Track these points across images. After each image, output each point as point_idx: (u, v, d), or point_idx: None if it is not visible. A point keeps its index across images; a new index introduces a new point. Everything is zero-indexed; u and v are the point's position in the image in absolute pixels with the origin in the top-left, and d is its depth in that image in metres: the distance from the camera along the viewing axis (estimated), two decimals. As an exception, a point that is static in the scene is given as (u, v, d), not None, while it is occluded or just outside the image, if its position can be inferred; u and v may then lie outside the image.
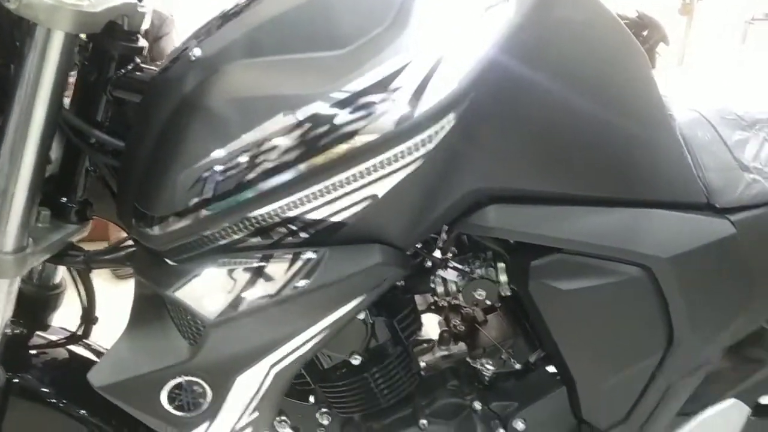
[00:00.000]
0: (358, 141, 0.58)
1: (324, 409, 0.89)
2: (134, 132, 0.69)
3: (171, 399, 0.68)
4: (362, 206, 0.63)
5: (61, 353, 0.91)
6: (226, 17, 0.67)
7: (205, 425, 0.71)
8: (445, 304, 1.02)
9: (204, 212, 0.61)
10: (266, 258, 0.64)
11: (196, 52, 0.63)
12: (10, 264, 0.66)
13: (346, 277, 0.66)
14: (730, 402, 0.93)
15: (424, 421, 0.87)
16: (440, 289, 0.87)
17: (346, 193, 0.61)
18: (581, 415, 0.89)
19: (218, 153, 0.60)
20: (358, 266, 0.66)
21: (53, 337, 0.92)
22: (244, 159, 0.59)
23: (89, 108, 0.72)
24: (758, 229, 0.78)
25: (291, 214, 0.61)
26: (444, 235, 0.82)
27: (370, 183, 0.61)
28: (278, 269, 0.64)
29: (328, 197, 0.61)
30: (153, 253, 0.67)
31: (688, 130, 0.79)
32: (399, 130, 0.59)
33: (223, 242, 0.63)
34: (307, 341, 0.69)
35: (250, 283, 0.64)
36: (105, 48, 0.69)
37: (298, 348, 0.70)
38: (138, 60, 0.72)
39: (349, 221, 0.63)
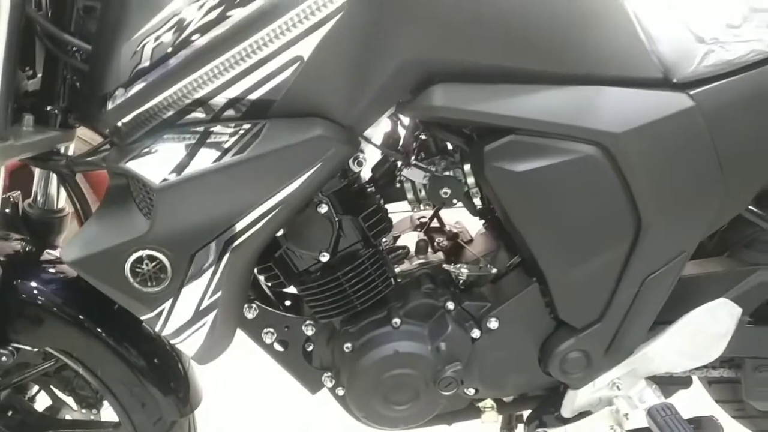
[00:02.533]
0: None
1: (308, 321, 0.92)
2: (96, 32, 0.75)
3: (134, 273, 0.73)
4: (291, 70, 0.66)
5: (61, 267, 0.98)
6: None
7: (168, 302, 0.75)
8: (425, 218, 1.05)
9: (143, 83, 0.66)
10: (207, 130, 0.68)
11: None
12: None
13: (285, 148, 0.70)
14: (719, 301, 0.90)
15: (397, 320, 0.88)
16: (410, 195, 0.90)
17: (271, 54, 0.64)
18: (558, 314, 0.89)
19: (149, 24, 0.65)
20: (297, 138, 0.70)
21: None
22: (170, 25, 0.64)
23: (62, 18, 0.78)
24: (719, 101, 0.76)
25: (220, 81, 0.65)
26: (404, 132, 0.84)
27: (291, 43, 0.64)
28: (219, 140, 0.68)
29: (255, 58, 0.64)
30: (114, 144, 0.73)
31: (641, 5, 0.78)
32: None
33: (166, 116, 0.68)
34: (259, 218, 0.73)
35: (193, 152, 0.68)
36: None
37: (251, 225, 0.73)
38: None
39: (282, 89, 0.67)
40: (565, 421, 0.98)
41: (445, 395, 0.90)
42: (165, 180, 0.68)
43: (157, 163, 0.68)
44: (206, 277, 0.75)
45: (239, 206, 0.71)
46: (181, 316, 0.77)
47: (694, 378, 1.07)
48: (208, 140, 0.68)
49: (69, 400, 1.11)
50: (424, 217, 1.08)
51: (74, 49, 0.78)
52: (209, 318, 0.79)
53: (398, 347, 0.87)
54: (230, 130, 0.68)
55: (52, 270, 0.98)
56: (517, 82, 0.75)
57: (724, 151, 0.78)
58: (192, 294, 0.76)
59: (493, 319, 0.89)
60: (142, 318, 0.78)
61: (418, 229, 1.06)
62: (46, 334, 0.94)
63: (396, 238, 1.01)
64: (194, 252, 0.73)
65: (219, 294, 0.77)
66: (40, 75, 0.81)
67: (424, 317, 0.90)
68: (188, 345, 0.81)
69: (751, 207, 0.90)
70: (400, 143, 0.89)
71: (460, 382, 0.91)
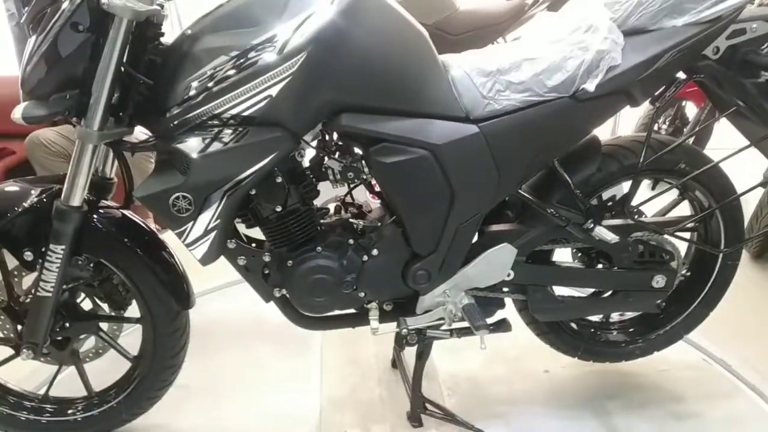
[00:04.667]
0: (257, 66, 1.26)
1: (266, 252, 1.55)
2: (160, 75, 1.36)
3: (173, 205, 1.35)
4: (266, 102, 1.30)
5: (116, 212, 1.59)
6: (207, 13, 1.36)
7: (191, 223, 1.38)
8: (343, 197, 1.69)
9: (186, 105, 1.29)
10: (219, 131, 1.31)
11: (188, 32, 1.32)
12: (96, 136, 1.33)
13: (260, 142, 1.33)
14: (502, 245, 1.57)
15: (319, 248, 1.52)
16: (331, 177, 1.53)
17: (255, 94, 1.29)
18: (413, 248, 1.54)
19: (193, 74, 1.28)
20: (266, 136, 1.33)
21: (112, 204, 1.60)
22: (203, 78, 1.28)
23: (138, 63, 1.39)
24: (494, 130, 1.42)
25: (226, 107, 1.29)
26: (326, 136, 1.49)
27: (266, 88, 1.28)
28: (225, 136, 1.31)
29: (247, 96, 1.28)
30: (165, 137, 1.35)
31: (455, 76, 1.44)
32: (277, 60, 1.27)
33: (198, 122, 1.31)
34: (245, 179, 1.36)
35: (212, 141, 1.31)
36: (145, 32, 1.37)
37: (240, 183, 1.36)
38: (161, 39, 1.40)
39: (259, 112, 1.31)
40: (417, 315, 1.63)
41: (345, 293, 1.54)
42: (195, 155, 1.31)
43: (192, 146, 1.31)
44: (213, 210, 1.37)
45: (232, 172, 1.34)
46: (197, 233, 1.39)
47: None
48: (219, 135, 1.31)
49: (104, 306, 1.71)
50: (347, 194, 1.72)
51: (141, 81, 1.38)
52: (211, 235, 1.41)
53: (319, 262, 1.51)
54: (231, 131, 1.32)
55: (108, 212, 1.59)
56: (385, 113, 1.40)
57: (498, 156, 1.45)
58: (204, 219, 1.38)
59: (375, 250, 1.54)
60: (175, 232, 1.39)
61: (340, 201, 1.71)
62: (103, 249, 1.55)
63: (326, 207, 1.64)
64: (208, 194, 1.36)
65: (218, 222, 1.39)
66: (117, 95, 1.42)
67: (335, 246, 1.54)
68: (198, 251, 1.42)
69: (524, 193, 1.58)
70: (327, 145, 1.54)
71: (354, 287, 1.56)
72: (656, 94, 1.56)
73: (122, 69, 1.32)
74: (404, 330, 1.62)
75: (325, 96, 1.34)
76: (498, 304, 1.72)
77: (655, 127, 3.93)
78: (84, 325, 1.66)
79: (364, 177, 1.51)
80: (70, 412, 1.71)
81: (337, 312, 1.64)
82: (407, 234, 1.53)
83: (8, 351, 1.63)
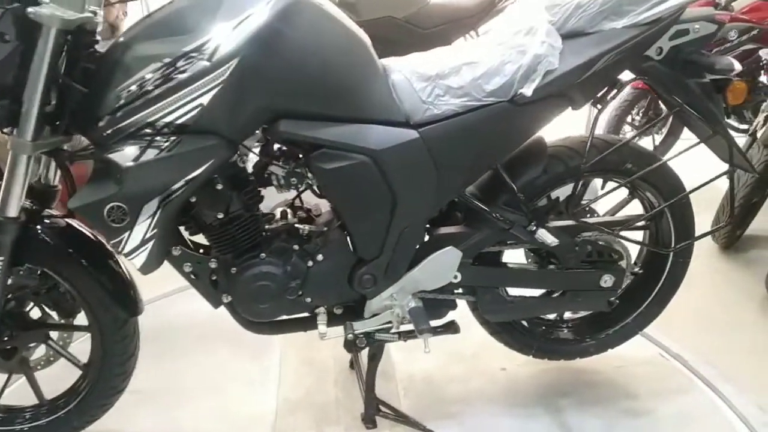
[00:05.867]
0: (188, 73, 1.25)
1: (212, 259, 1.54)
2: (93, 83, 1.35)
3: (108, 216, 1.34)
4: (198, 111, 1.29)
5: (59, 221, 1.57)
6: (141, 19, 1.35)
7: (127, 233, 1.37)
8: (292, 203, 1.68)
9: (118, 113, 1.28)
10: (152, 140, 1.30)
11: (121, 39, 1.31)
12: (29, 146, 1.32)
13: (194, 150, 1.32)
14: (447, 248, 1.57)
15: (263, 254, 1.51)
16: (275, 183, 1.53)
17: (187, 102, 1.28)
18: (357, 253, 1.54)
19: (124, 83, 1.27)
20: (200, 144, 1.32)
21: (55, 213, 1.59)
22: (134, 87, 1.26)
23: (73, 71, 1.37)
24: (434, 135, 1.42)
25: (158, 116, 1.28)
26: (269, 141, 1.48)
27: (197, 96, 1.27)
28: (158, 144, 1.30)
29: (178, 104, 1.27)
30: (99, 145, 1.34)
31: (396, 80, 1.44)
32: (207, 67, 1.25)
33: (130, 131, 1.30)
34: (181, 188, 1.35)
35: (145, 150, 1.30)
36: (79, 39, 1.35)
37: (176, 191, 1.35)
38: (96, 47, 1.39)
39: (192, 120, 1.30)
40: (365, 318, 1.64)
41: (290, 299, 1.54)
42: (128, 164, 1.30)
43: (125, 155, 1.30)
44: (148, 220, 1.36)
45: (167, 181, 1.33)
46: (133, 243, 1.38)
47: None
48: (151, 144, 1.30)
49: (53, 314, 1.70)
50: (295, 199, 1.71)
51: (76, 89, 1.37)
52: (149, 245, 1.40)
53: (262, 269, 1.51)
54: (165, 140, 1.31)
55: (50, 221, 1.57)
56: (324, 119, 1.39)
57: (439, 160, 1.45)
58: (140, 229, 1.37)
59: (320, 255, 1.54)
60: (111, 242, 1.38)
61: (288, 205, 1.70)
62: (45, 259, 1.54)
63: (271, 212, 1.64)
64: (143, 204, 1.35)
65: (155, 231, 1.39)
66: (53, 103, 1.40)
67: (279, 253, 1.53)
68: (137, 261, 1.41)
69: (469, 196, 1.58)
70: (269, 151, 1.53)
71: (300, 293, 1.56)
72: (598, 95, 1.56)
73: (56, 77, 1.30)
74: (350, 335, 1.62)
75: (260, 102, 1.33)
76: (449, 305, 1.73)
77: (629, 119, 4.01)
78: (32, 334, 1.65)
79: (308, 182, 1.50)
80: (17, 421, 1.70)
81: (286, 316, 1.64)
82: (352, 239, 1.53)
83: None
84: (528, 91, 1.39)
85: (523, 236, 1.60)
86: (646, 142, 3.93)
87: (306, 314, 1.65)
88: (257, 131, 1.43)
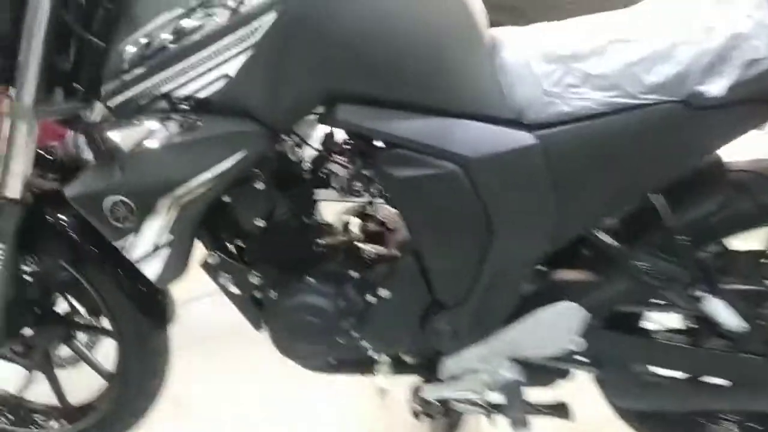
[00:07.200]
0: (204, 31, 0.90)
1: (254, 272, 1.19)
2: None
3: (110, 211, 1.03)
4: (223, 83, 0.94)
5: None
6: None
7: (131, 235, 1.05)
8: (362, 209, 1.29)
9: (125, 77, 0.96)
10: (165, 118, 0.97)
11: None
12: (29, 111, 1.04)
13: (219, 136, 0.97)
14: (564, 303, 1.10)
15: (310, 279, 1.14)
16: (335, 185, 1.14)
17: (207, 71, 0.92)
18: (434, 294, 1.13)
19: (130, 36, 0.94)
20: (227, 129, 0.97)
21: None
22: (142, 42, 0.93)
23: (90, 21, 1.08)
24: (557, 141, 0.97)
25: (172, 85, 0.94)
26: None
27: (220, 64, 0.92)
28: (172, 126, 0.97)
29: (196, 73, 0.93)
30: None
31: (507, 60, 1.00)
32: (230, 24, 0.89)
33: (140, 104, 0.97)
34: (199, 186, 1.01)
35: (153, 132, 0.97)
36: None
37: (193, 190, 1.01)
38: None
39: (216, 95, 0.95)
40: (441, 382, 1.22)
41: (341, 342, 1.16)
42: (132, 148, 0.97)
43: (128, 136, 0.98)
44: (160, 222, 1.04)
45: (181, 175, 1.00)
46: (143, 248, 1.07)
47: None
48: (164, 125, 0.97)
49: (82, 310, 1.45)
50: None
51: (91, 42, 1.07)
52: (164, 253, 1.08)
53: (306, 299, 1.14)
54: (180, 120, 0.97)
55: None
56: (399, 109, 0.99)
57: (561, 180, 0.99)
58: (150, 232, 1.05)
59: (384, 289, 1.14)
60: (114, 244, 1.08)
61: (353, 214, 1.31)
62: (60, 251, 1.27)
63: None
64: (152, 201, 1.02)
65: (171, 237, 1.06)
66: (72, 60, 1.11)
67: (331, 278, 1.15)
68: (150, 270, 1.10)
69: (599, 235, 1.10)
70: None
71: (356, 335, 1.17)
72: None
73: (66, 25, 1.01)
74: (416, 405, 1.21)
75: (308, 78, 0.96)
76: (558, 374, 1.26)
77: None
78: (52, 330, 1.41)
79: (377, 189, 1.11)
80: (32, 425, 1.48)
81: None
82: (427, 274, 1.11)
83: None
84: (716, 89, 0.90)
85: (681, 301, 1.09)
86: None
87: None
88: (310, 115, 1.05)
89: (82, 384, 1.50)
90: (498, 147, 0.98)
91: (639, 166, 0.99)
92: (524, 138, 0.98)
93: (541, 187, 1.00)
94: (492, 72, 0.99)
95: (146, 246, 1.07)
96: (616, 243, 1.09)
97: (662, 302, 1.16)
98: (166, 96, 0.97)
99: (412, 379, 1.28)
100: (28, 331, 1.36)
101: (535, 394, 1.21)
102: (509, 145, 0.98)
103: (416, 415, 1.26)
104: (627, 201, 1.05)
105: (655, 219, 1.07)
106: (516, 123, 0.99)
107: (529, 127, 0.98)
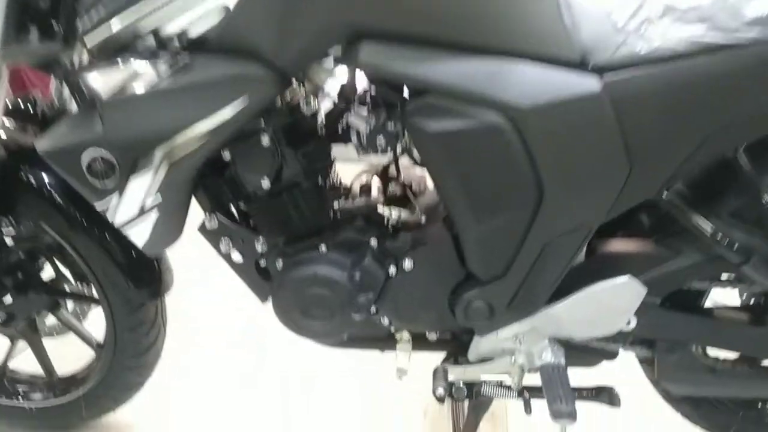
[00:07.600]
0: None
1: (260, 238, 1.03)
2: None
3: (89, 168, 0.87)
4: (219, 17, 0.76)
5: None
6: None
7: (114, 195, 0.89)
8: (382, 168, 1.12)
9: (102, 10, 0.78)
10: (152, 58, 0.79)
11: None
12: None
13: (216, 79, 0.80)
14: (623, 278, 0.94)
15: (324, 247, 0.98)
16: (354, 140, 0.97)
17: (200, 1, 0.74)
18: (468, 266, 0.97)
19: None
20: (223, 73, 0.80)
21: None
22: None
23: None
24: (629, 88, 0.79)
25: (158, 18, 0.76)
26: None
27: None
28: (160, 67, 0.79)
29: (183, 4, 0.75)
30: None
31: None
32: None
33: (121, 41, 0.79)
34: (192, 140, 0.84)
35: (138, 75, 0.80)
36: None
37: (185, 145, 0.84)
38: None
39: (213, 31, 0.77)
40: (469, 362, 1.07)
41: (357, 318, 1.01)
42: (112, 95, 0.80)
43: (108, 80, 0.80)
44: (147, 181, 0.87)
45: (171, 126, 0.83)
46: (128, 211, 0.91)
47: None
48: (151, 66, 0.79)
49: (68, 274, 1.30)
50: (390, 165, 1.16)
51: None
52: (152, 217, 0.92)
53: (318, 270, 0.98)
54: (169, 60, 0.79)
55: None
56: (436, 47, 0.81)
57: (631, 136, 0.81)
58: (135, 193, 0.89)
59: (408, 260, 0.98)
60: (95, 205, 0.91)
61: (377, 172, 1.14)
62: (40, 213, 1.11)
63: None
64: (137, 156, 0.86)
65: (160, 199, 0.90)
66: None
67: (349, 247, 0.99)
68: (136, 236, 0.95)
69: (675, 201, 0.93)
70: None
71: (374, 311, 1.02)
72: None
73: None
74: (440, 389, 1.07)
75: (326, 9, 0.77)
76: (606, 355, 1.11)
77: None
78: (35, 298, 1.26)
79: (403, 146, 0.94)
80: (19, 396, 1.35)
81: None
82: (462, 244, 0.95)
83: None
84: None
85: (763, 277, 0.93)
86: None
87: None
88: (327, 57, 0.87)
89: (72, 356, 1.38)
90: (558, 94, 0.80)
91: (727, 119, 0.81)
92: (588, 83, 0.80)
93: (607, 142, 0.82)
94: (552, 3, 0.80)
95: (131, 208, 0.91)
96: (691, 209, 0.92)
97: (731, 277, 1.01)
98: (154, 33, 0.79)
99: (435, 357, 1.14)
100: (8, 299, 1.22)
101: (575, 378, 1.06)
102: (571, 91, 0.80)
103: (440, 399, 1.11)
104: (708, 159, 0.87)
105: (739, 183, 0.90)
106: (579, 65, 0.80)
107: (596, 71, 0.80)
